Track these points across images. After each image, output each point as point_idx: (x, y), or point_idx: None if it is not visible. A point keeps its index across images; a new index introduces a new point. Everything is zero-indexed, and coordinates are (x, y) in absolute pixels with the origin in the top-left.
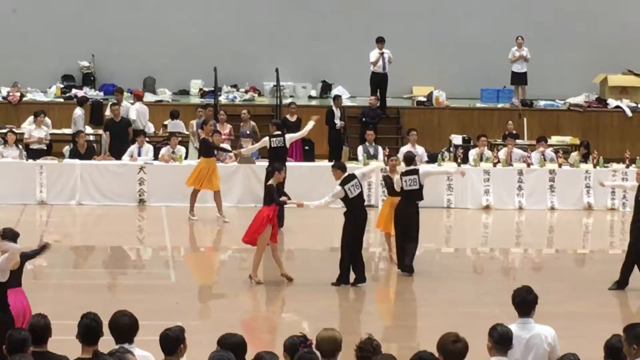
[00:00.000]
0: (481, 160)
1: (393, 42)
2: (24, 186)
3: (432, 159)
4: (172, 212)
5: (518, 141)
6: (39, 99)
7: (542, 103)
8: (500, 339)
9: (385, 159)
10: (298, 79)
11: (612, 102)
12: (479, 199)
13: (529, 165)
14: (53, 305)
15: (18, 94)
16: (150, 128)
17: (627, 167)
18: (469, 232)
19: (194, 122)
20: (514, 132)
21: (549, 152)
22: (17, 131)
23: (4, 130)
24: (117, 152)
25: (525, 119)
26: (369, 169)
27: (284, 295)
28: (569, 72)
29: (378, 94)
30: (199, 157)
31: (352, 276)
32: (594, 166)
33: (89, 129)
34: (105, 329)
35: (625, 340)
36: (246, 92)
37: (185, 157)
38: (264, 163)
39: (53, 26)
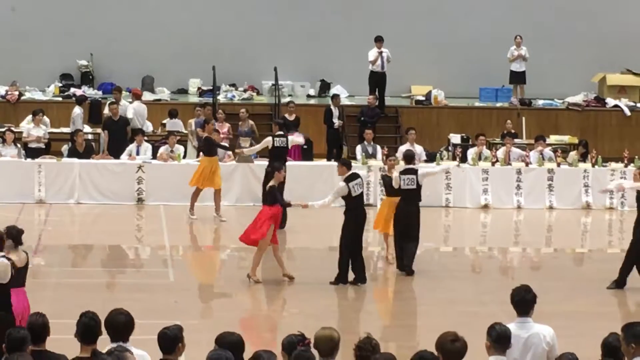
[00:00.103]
0: (480, 159)
1: (392, 42)
2: (23, 185)
3: (431, 158)
4: (170, 211)
5: (516, 140)
6: (37, 97)
7: (540, 102)
8: (499, 338)
9: (384, 158)
10: (297, 78)
11: (610, 102)
12: (477, 198)
13: (527, 164)
14: (51, 304)
15: (16, 92)
16: (148, 127)
17: (626, 166)
18: (468, 231)
19: (192, 121)
20: (513, 131)
21: (548, 151)
22: (15, 130)
23: (3, 129)
24: (115, 151)
25: (523, 118)
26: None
27: (283, 295)
28: (567, 72)
29: (377, 93)
30: (197, 156)
31: (351, 276)
32: (593, 165)
33: (87, 128)
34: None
35: (624, 339)
36: (245, 91)
37: (184, 156)
38: (262, 162)
39: (52, 25)
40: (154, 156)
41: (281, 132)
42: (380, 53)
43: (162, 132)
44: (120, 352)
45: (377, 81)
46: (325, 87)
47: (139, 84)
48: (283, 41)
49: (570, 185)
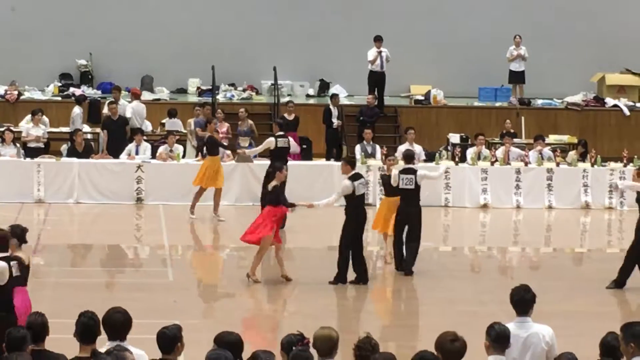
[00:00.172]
0: (479, 159)
1: (391, 41)
2: (22, 184)
3: (430, 157)
4: (169, 210)
5: (516, 140)
6: (36, 97)
7: (539, 102)
8: (498, 338)
9: (383, 157)
10: (296, 78)
11: (609, 101)
12: (476, 198)
13: (526, 164)
14: (51, 304)
15: (16, 92)
16: (147, 126)
17: (625, 166)
18: (467, 230)
19: (191, 121)
20: (512, 130)
21: (547, 150)
22: (14, 129)
23: (2, 129)
24: (114, 150)
25: (523, 118)
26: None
27: (282, 294)
28: (566, 71)
29: (376, 92)
30: (197, 155)
31: (351, 275)
32: (592, 165)
33: (86, 128)
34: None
35: (622, 339)
36: (244, 90)
37: (183, 156)
38: (261, 162)
39: (51, 25)
40: (153, 156)
41: (282, 132)
42: (380, 53)
43: (161, 132)
44: (119, 352)
45: (377, 81)
46: (324, 86)
47: (138, 83)
48: (283, 41)
49: (570, 185)
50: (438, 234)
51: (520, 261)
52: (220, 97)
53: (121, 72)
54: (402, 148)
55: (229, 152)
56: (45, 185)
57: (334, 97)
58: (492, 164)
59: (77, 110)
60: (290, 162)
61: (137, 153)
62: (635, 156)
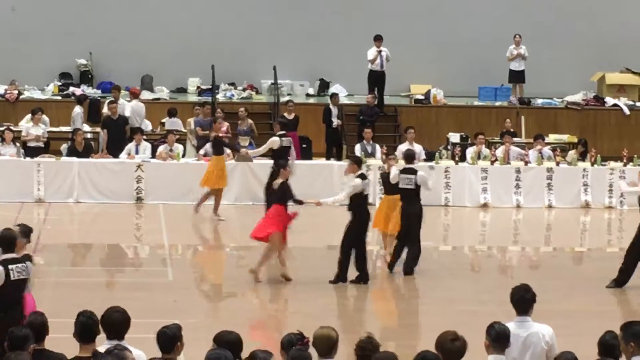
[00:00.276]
0: (479, 158)
1: (391, 41)
2: (22, 184)
3: (430, 157)
4: (169, 209)
5: (516, 139)
6: (36, 96)
7: (539, 101)
8: (498, 337)
9: (383, 157)
10: (296, 77)
11: (609, 101)
12: (476, 197)
13: (526, 163)
14: (51, 303)
15: (16, 91)
16: (147, 126)
17: (625, 165)
18: (467, 230)
19: (191, 120)
20: (512, 130)
21: (547, 150)
22: (14, 129)
23: (2, 128)
24: (114, 150)
25: (522, 117)
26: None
27: (283, 294)
28: (566, 71)
29: (376, 92)
30: (198, 153)
31: (351, 274)
32: (592, 164)
33: (86, 127)
34: None
35: (622, 338)
36: (244, 90)
37: (183, 155)
38: (261, 162)
39: (51, 24)
40: (153, 155)
41: (283, 132)
42: (380, 52)
43: (161, 131)
44: (120, 351)
45: (376, 80)
46: (324, 86)
47: (138, 83)
48: (283, 41)
49: (570, 184)
50: (438, 234)
51: (520, 260)
52: (220, 97)
53: (121, 71)
54: (402, 147)
55: (229, 151)
56: (45, 184)
57: (334, 96)
58: (492, 163)
59: (77, 109)
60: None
61: (137, 152)
62: (635, 155)
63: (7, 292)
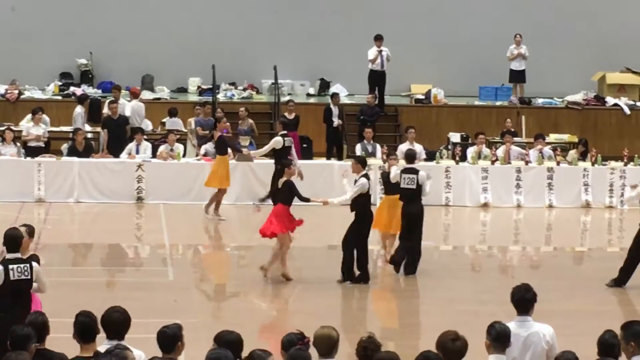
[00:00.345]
0: (479, 158)
1: (392, 41)
2: (22, 184)
3: (431, 156)
4: (170, 209)
5: (516, 139)
6: (37, 96)
7: (540, 101)
8: (498, 337)
9: (384, 157)
10: (296, 77)
11: (610, 100)
12: (477, 197)
13: (527, 163)
14: (51, 303)
15: (16, 91)
16: (147, 126)
17: (625, 165)
18: (468, 230)
19: (192, 120)
20: (512, 129)
21: (547, 150)
22: (15, 129)
23: (2, 128)
24: (115, 149)
25: (523, 117)
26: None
27: (283, 293)
28: (567, 70)
29: (376, 91)
30: (198, 152)
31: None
32: (592, 164)
33: (87, 127)
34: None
35: (623, 338)
36: (244, 89)
37: (183, 155)
38: (261, 161)
39: (51, 24)
40: (154, 155)
41: (285, 132)
42: (380, 52)
43: (161, 131)
44: (121, 351)
45: (377, 80)
46: (324, 85)
47: (139, 82)
48: (283, 40)
49: (570, 184)
50: (439, 233)
51: (520, 260)
52: (220, 96)
53: (121, 71)
54: (402, 147)
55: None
56: (45, 184)
57: (335, 96)
58: (493, 163)
59: (78, 109)
60: None
61: (137, 152)
62: (636, 155)
63: (7, 292)
